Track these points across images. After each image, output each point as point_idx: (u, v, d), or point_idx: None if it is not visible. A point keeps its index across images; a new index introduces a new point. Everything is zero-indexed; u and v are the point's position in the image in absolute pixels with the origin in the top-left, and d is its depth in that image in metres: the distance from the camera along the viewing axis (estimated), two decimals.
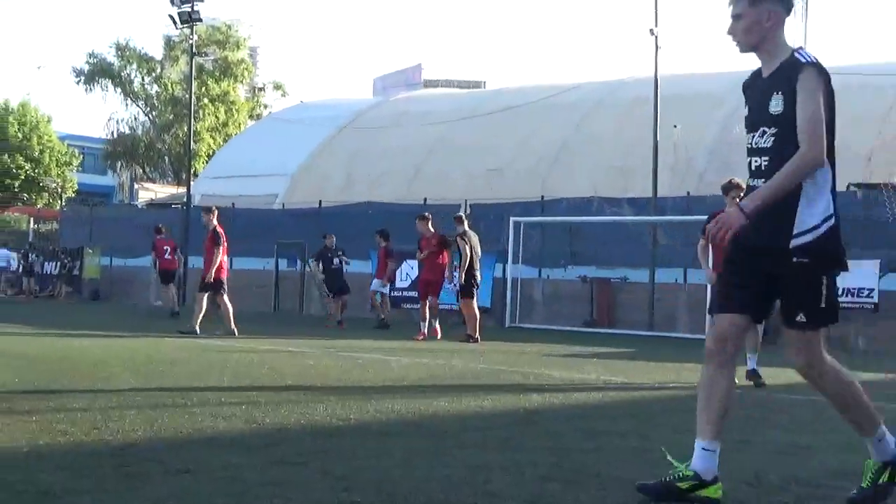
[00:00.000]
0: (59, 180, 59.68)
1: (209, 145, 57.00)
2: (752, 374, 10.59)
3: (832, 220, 4.52)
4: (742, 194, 8.51)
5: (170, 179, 59.81)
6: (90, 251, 35.97)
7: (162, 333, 16.39)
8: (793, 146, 4.45)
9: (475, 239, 18.37)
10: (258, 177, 36.69)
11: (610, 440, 6.44)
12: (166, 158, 62.35)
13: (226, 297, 17.19)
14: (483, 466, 5.29)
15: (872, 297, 19.76)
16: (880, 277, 19.82)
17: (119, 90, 62.76)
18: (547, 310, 24.96)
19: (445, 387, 9.69)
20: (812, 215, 4.50)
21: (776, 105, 4.56)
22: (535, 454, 5.73)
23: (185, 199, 36.40)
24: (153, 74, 62.76)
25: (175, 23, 35.95)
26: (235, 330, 16.64)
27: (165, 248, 24.80)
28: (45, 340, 14.23)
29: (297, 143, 38.20)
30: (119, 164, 64.78)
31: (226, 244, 17.71)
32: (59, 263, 36.77)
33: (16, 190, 58.07)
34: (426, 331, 17.93)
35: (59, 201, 55.54)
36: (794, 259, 4.51)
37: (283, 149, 38.23)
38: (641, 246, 24.32)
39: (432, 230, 18.77)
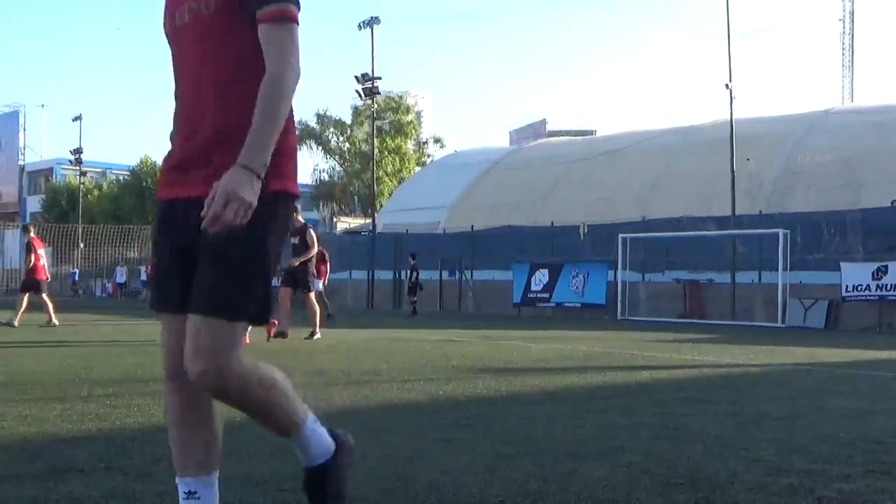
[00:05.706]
0: None
1: (388, 186, 57.96)
2: None
3: None
4: None
5: (359, 213, 60.93)
6: None
7: (352, 326, 16.64)
8: None
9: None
10: (425, 209, 37.13)
11: (704, 406, 6.26)
12: (356, 198, 63.59)
13: (45, 295, 15.91)
14: (607, 426, 5.22)
15: None
16: None
17: (320, 148, 64.40)
18: (649, 305, 24.51)
19: (574, 366, 9.57)
20: None
21: None
22: (648, 417, 5.63)
23: (370, 228, 37.12)
24: (345, 135, 64.11)
25: (360, 96, 36.84)
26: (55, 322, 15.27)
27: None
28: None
29: (453, 183, 38.53)
30: (322, 203, 66.43)
31: (39, 252, 16.20)
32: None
33: None
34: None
35: None
36: None
37: (443, 187, 38.60)
38: (723, 254, 23.77)
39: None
